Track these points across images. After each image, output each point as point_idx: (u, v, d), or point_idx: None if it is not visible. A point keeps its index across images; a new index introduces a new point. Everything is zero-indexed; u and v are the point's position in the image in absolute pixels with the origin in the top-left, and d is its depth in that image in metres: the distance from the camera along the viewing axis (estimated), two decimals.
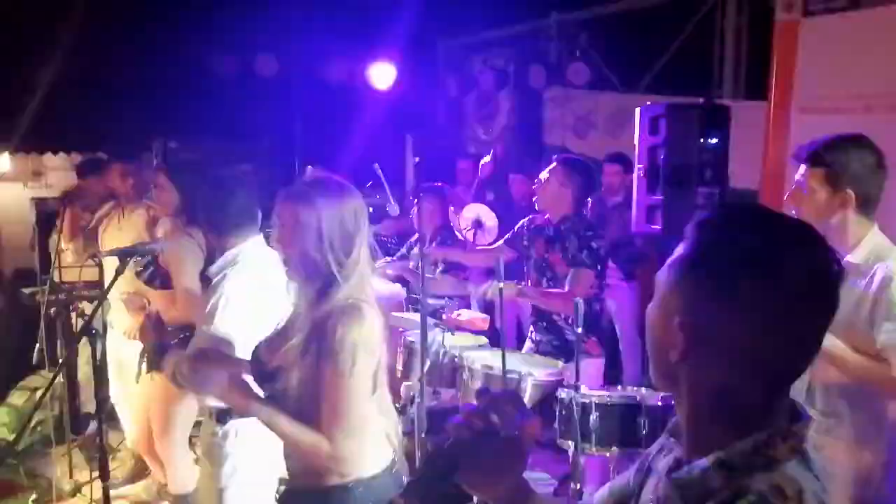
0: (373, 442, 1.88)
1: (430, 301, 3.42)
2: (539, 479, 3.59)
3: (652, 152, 4.09)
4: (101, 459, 2.52)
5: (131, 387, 3.76)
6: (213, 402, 2.43)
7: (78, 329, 3.32)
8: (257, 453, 2.45)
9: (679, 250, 0.93)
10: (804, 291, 0.85)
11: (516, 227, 3.74)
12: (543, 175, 3.51)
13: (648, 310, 0.97)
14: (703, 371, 0.89)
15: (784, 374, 0.89)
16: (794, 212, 2.13)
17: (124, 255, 2.49)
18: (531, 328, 3.63)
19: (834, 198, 2.05)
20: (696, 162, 3.95)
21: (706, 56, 5.80)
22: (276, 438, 2.45)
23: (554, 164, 3.50)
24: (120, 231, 3.82)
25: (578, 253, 3.36)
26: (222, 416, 2.43)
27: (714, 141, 4.02)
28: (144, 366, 2.60)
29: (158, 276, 3.21)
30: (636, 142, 4.23)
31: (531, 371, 3.12)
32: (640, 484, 1.05)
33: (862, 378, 2.04)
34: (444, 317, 3.74)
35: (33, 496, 3.58)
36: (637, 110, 4.28)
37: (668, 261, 0.94)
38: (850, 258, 2.06)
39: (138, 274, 3.26)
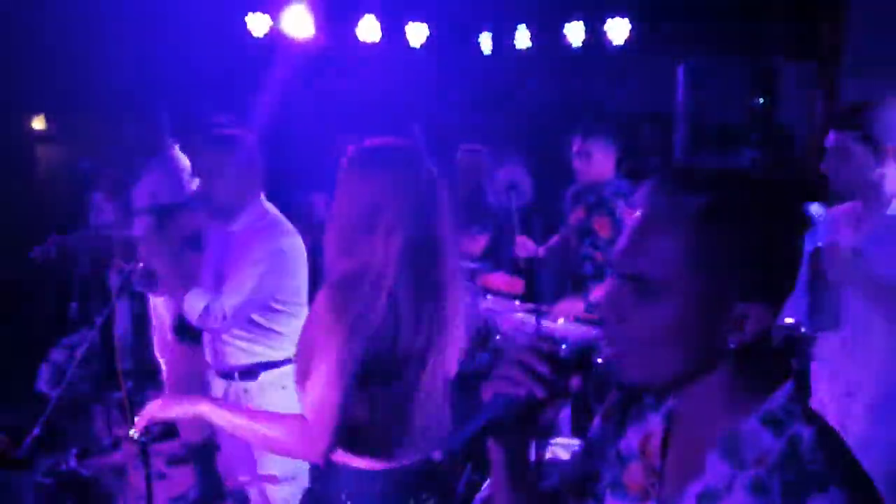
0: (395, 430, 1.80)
1: (464, 264, 3.40)
2: (571, 443, 3.58)
3: (694, 112, 3.97)
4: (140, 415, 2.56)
5: None
6: (236, 364, 2.47)
7: (117, 288, 3.37)
8: (293, 401, 2.48)
9: (691, 239, 0.84)
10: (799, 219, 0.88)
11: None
12: (584, 149, 3.43)
13: (665, 307, 0.85)
14: (750, 342, 0.86)
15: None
16: (831, 181, 2.17)
17: (162, 211, 2.51)
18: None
19: (873, 155, 2.07)
20: (742, 122, 3.83)
21: (754, 14, 5.57)
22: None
23: (591, 136, 3.43)
24: (147, 186, 3.84)
25: None
26: (246, 375, 2.46)
27: (761, 101, 3.89)
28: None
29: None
30: (678, 101, 4.11)
31: (566, 335, 3.09)
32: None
33: None
34: (477, 279, 3.71)
35: (74, 450, 3.68)
36: (679, 68, 4.15)
37: (676, 251, 0.84)
38: (891, 210, 2.10)
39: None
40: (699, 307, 0.85)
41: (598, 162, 3.42)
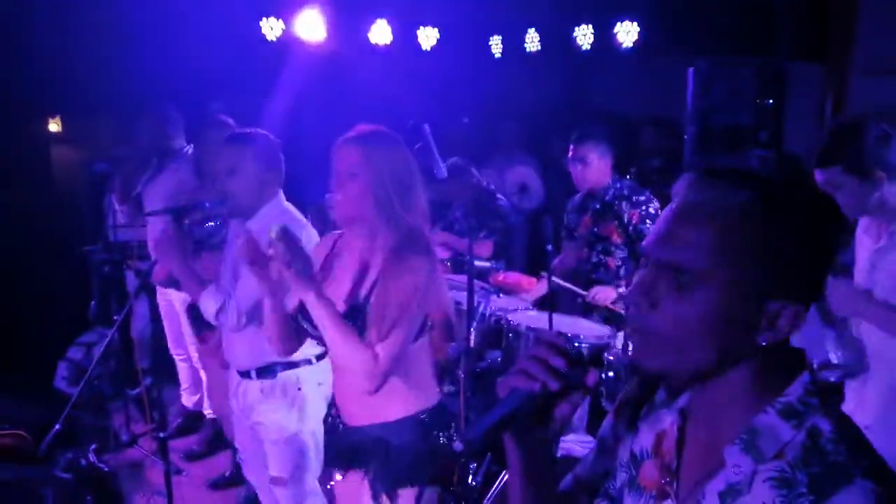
0: (429, 374, 1.98)
1: (477, 263, 3.43)
2: (585, 440, 3.60)
3: (704, 114, 4.00)
4: (160, 412, 2.61)
5: (191, 345, 3.87)
6: (254, 362, 2.51)
7: (135, 287, 3.41)
8: (309, 401, 2.52)
9: (736, 234, 0.85)
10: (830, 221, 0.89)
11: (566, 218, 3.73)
12: (580, 155, 3.45)
13: (699, 298, 0.86)
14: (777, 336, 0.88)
15: None
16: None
17: (177, 212, 2.55)
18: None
19: (864, 183, 2.07)
20: (751, 124, 3.84)
21: (761, 15, 5.58)
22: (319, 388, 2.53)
23: (588, 142, 3.45)
24: (161, 187, 3.89)
25: (643, 224, 3.36)
26: (264, 373, 2.49)
27: (770, 102, 3.91)
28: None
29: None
30: (688, 103, 4.13)
31: (578, 334, 3.12)
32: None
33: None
34: (490, 279, 3.75)
35: (93, 446, 3.73)
36: (689, 70, 4.17)
37: (721, 246, 0.85)
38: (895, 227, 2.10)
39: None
40: (733, 300, 0.85)
41: (594, 167, 3.45)
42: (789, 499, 0.82)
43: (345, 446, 1.97)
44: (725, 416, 0.90)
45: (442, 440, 1.89)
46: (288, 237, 1.75)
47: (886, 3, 4.26)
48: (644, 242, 0.94)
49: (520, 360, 0.98)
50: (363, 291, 1.90)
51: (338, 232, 2.08)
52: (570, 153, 3.48)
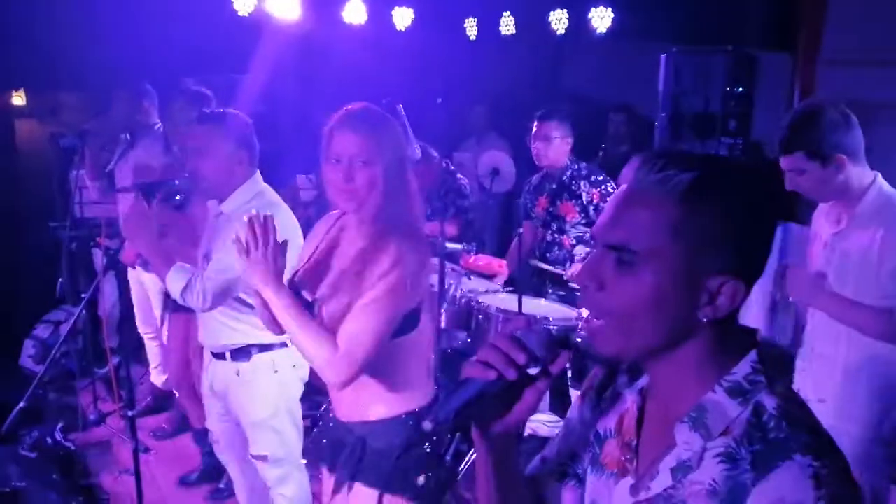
0: (419, 375, 1.88)
1: (447, 245, 3.45)
2: (549, 420, 3.67)
3: (675, 100, 4.05)
4: (128, 390, 2.60)
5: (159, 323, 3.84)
6: (229, 343, 2.50)
7: (103, 265, 3.37)
8: (284, 383, 2.52)
9: (675, 213, 0.87)
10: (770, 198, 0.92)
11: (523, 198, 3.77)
12: (545, 132, 3.50)
13: (643, 278, 0.88)
14: (722, 317, 0.90)
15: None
16: (800, 192, 2.19)
17: (147, 189, 2.51)
18: (549, 289, 3.67)
19: (827, 167, 2.10)
20: (721, 111, 3.91)
21: (733, 5, 5.65)
22: (295, 372, 2.51)
23: (553, 120, 3.50)
24: (132, 163, 3.84)
25: (604, 203, 3.40)
26: (238, 355, 2.49)
27: (740, 90, 3.97)
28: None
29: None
30: (660, 89, 4.18)
31: (546, 316, 3.17)
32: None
33: (860, 328, 2.11)
34: (461, 261, 3.77)
35: (60, 424, 3.70)
36: (662, 57, 4.22)
37: (661, 225, 0.88)
38: (858, 209, 2.14)
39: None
40: (676, 279, 0.88)
41: (555, 145, 3.52)
42: (734, 475, 0.85)
43: (330, 440, 1.93)
44: (679, 394, 0.93)
45: (426, 447, 1.80)
46: (260, 225, 1.71)
47: None
48: (593, 227, 0.97)
49: (481, 348, 0.99)
50: (334, 276, 1.83)
51: (336, 213, 1.98)
52: (534, 129, 3.53)
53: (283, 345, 2.48)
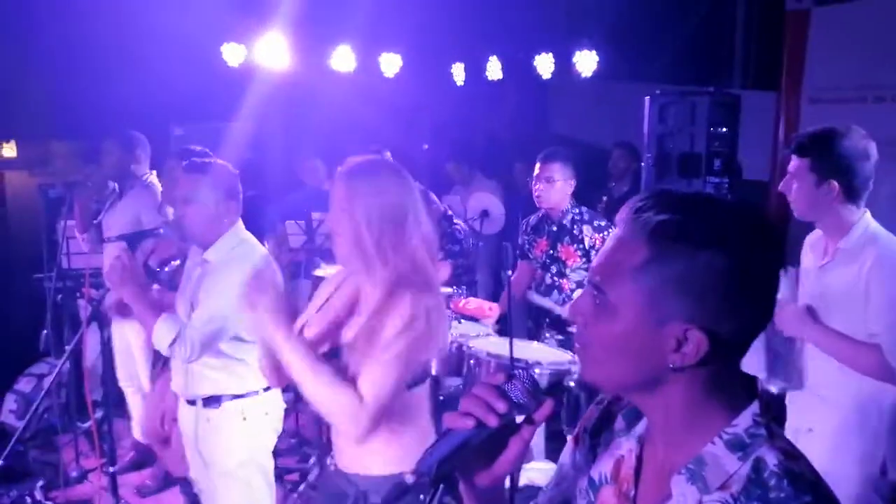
0: (426, 428, 1.84)
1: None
2: (547, 468, 3.59)
3: (660, 141, 4.08)
4: (109, 446, 2.53)
5: (143, 376, 3.77)
6: (201, 391, 2.46)
7: (87, 316, 3.32)
8: (254, 432, 2.46)
9: (642, 254, 0.86)
10: (772, 255, 0.88)
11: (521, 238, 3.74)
12: (547, 174, 3.49)
13: (613, 319, 0.89)
14: (705, 363, 0.87)
15: (759, 332, 0.91)
16: (790, 199, 2.19)
17: (133, 239, 2.50)
18: (546, 333, 3.63)
19: (819, 188, 2.09)
20: (706, 151, 3.93)
21: (716, 46, 5.76)
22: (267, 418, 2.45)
23: (556, 162, 3.49)
24: (120, 214, 3.82)
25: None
26: (209, 402, 2.45)
27: (724, 130, 4.00)
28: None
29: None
30: (645, 130, 4.22)
31: (539, 360, 3.12)
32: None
33: (847, 363, 2.09)
34: (451, 304, 3.74)
35: (40, 482, 3.60)
36: (646, 99, 4.26)
37: (628, 266, 0.87)
38: (842, 244, 2.12)
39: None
40: (638, 321, 0.87)
41: (558, 188, 3.48)
42: None
43: (331, 489, 1.88)
44: (676, 443, 0.91)
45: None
46: (260, 280, 1.71)
47: (835, 37, 4.42)
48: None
49: (462, 399, 0.97)
50: (352, 331, 1.79)
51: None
52: (537, 170, 3.50)
53: (255, 393, 2.44)
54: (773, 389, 2.19)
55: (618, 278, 0.88)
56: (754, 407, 0.88)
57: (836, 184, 2.07)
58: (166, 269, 2.66)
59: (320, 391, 1.69)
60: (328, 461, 1.95)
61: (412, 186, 1.83)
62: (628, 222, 0.89)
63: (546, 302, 3.54)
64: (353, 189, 1.75)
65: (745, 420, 0.87)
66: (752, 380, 0.92)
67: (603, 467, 1.03)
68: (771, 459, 0.84)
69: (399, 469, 1.70)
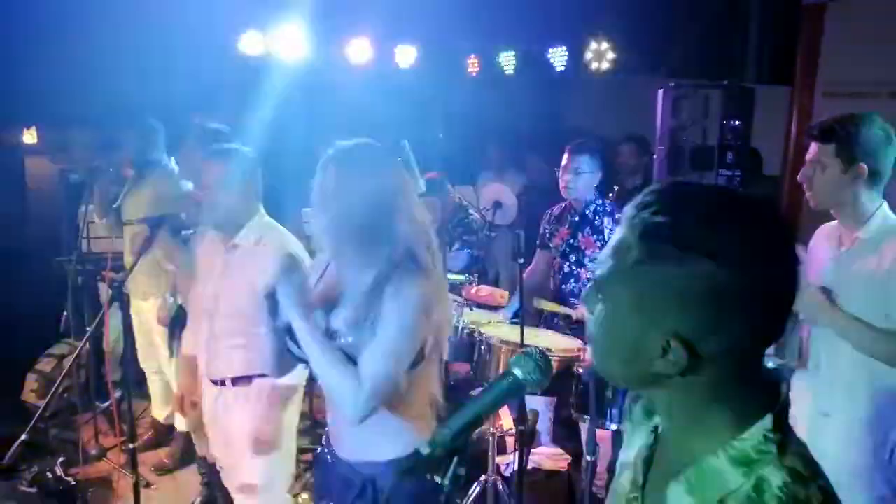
0: (424, 410, 1.85)
1: (450, 277, 3.47)
2: (553, 453, 3.64)
3: (673, 134, 4.09)
4: (129, 423, 2.61)
5: (163, 357, 3.84)
6: (229, 372, 2.51)
7: (107, 298, 3.39)
8: (280, 411, 2.52)
9: (633, 255, 0.83)
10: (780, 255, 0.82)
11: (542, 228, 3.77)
12: (575, 165, 3.50)
13: (603, 313, 0.88)
14: (696, 373, 0.83)
15: (767, 345, 0.86)
16: (807, 192, 2.18)
17: (155, 223, 2.56)
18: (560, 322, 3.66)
19: (847, 172, 2.08)
20: (718, 144, 3.95)
21: (731, 39, 5.75)
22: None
23: (584, 154, 3.51)
24: (138, 199, 3.89)
25: None
26: (239, 381, 2.50)
27: (737, 123, 4.01)
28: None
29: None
30: (658, 123, 4.23)
31: (549, 346, 3.16)
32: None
33: (866, 350, 2.08)
34: (463, 292, 3.79)
35: (61, 459, 3.69)
36: (659, 91, 4.28)
37: (621, 266, 0.84)
38: (861, 234, 2.12)
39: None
40: (628, 325, 0.85)
41: (585, 179, 3.51)
42: None
43: (334, 479, 1.89)
44: (681, 445, 0.89)
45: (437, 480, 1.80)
46: (291, 267, 1.78)
47: (849, 30, 4.41)
48: None
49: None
50: (353, 315, 1.80)
51: None
52: (565, 161, 3.52)
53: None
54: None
55: (612, 277, 0.86)
56: (767, 422, 0.82)
57: (864, 166, 2.06)
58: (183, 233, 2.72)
59: (328, 372, 1.73)
60: (322, 451, 1.96)
61: (402, 170, 1.84)
62: (627, 220, 0.86)
63: (557, 307, 3.56)
64: (343, 173, 1.74)
65: (755, 434, 0.82)
66: (771, 390, 0.86)
67: (628, 451, 1.04)
68: (776, 481, 0.79)
69: (398, 455, 1.75)
